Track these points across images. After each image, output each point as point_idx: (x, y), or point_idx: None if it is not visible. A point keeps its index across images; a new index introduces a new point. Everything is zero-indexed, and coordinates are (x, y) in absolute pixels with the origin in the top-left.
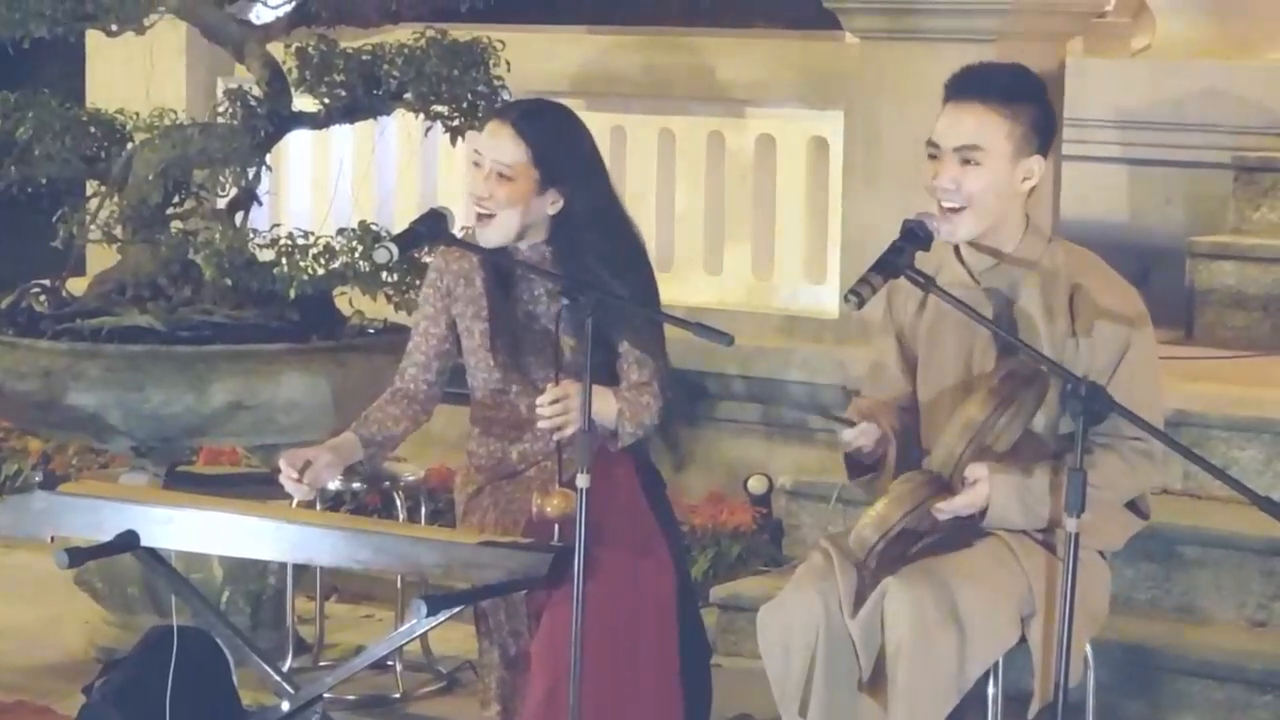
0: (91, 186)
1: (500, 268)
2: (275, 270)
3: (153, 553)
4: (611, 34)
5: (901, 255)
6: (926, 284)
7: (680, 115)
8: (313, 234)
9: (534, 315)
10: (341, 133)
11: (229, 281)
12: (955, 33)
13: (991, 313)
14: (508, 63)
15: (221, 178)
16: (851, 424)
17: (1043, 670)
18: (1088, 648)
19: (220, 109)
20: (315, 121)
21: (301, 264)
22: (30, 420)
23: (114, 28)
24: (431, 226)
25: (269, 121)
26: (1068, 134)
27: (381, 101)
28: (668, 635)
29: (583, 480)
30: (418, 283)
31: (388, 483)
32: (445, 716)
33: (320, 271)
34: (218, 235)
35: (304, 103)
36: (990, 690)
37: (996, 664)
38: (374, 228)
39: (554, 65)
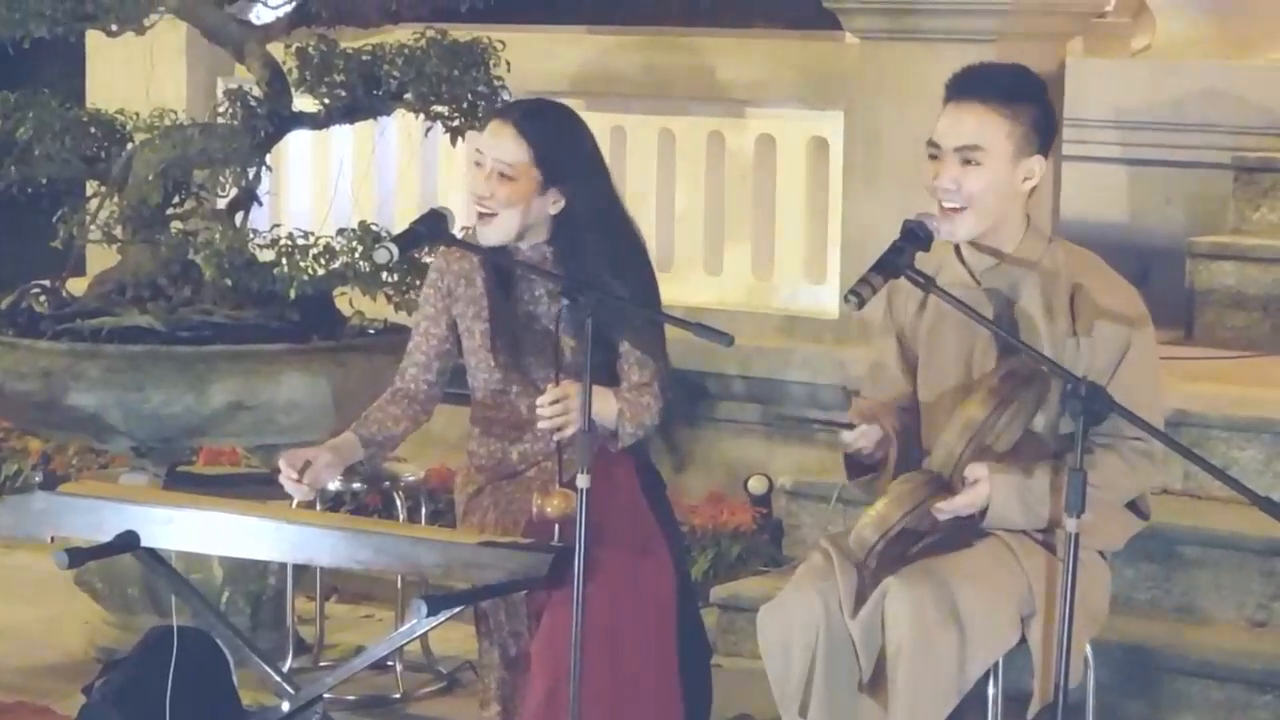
0: (91, 187)
1: (501, 268)
2: (275, 270)
3: (153, 553)
4: (611, 34)
5: (901, 255)
6: (927, 284)
7: (680, 115)
8: (313, 234)
9: (534, 315)
10: (341, 133)
11: (229, 281)
12: (955, 33)
13: (992, 313)
14: (508, 63)
15: (221, 178)
16: (851, 427)
17: (1043, 670)
18: (1088, 648)
19: (220, 109)
20: (315, 121)
21: (302, 264)
22: (30, 420)
23: (114, 28)
24: (432, 227)
25: (269, 121)
26: (1068, 134)
27: (381, 102)
28: (667, 635)
29: (583, 480)
30: (418, 283)
31: (388, 483)
32: (445, 716)
33: (320, 272)
34: (218, 235)
35: (304, 103)
36: (990, 690)
37: (996, 664)
38: (374, 228)
39: (554, 65)
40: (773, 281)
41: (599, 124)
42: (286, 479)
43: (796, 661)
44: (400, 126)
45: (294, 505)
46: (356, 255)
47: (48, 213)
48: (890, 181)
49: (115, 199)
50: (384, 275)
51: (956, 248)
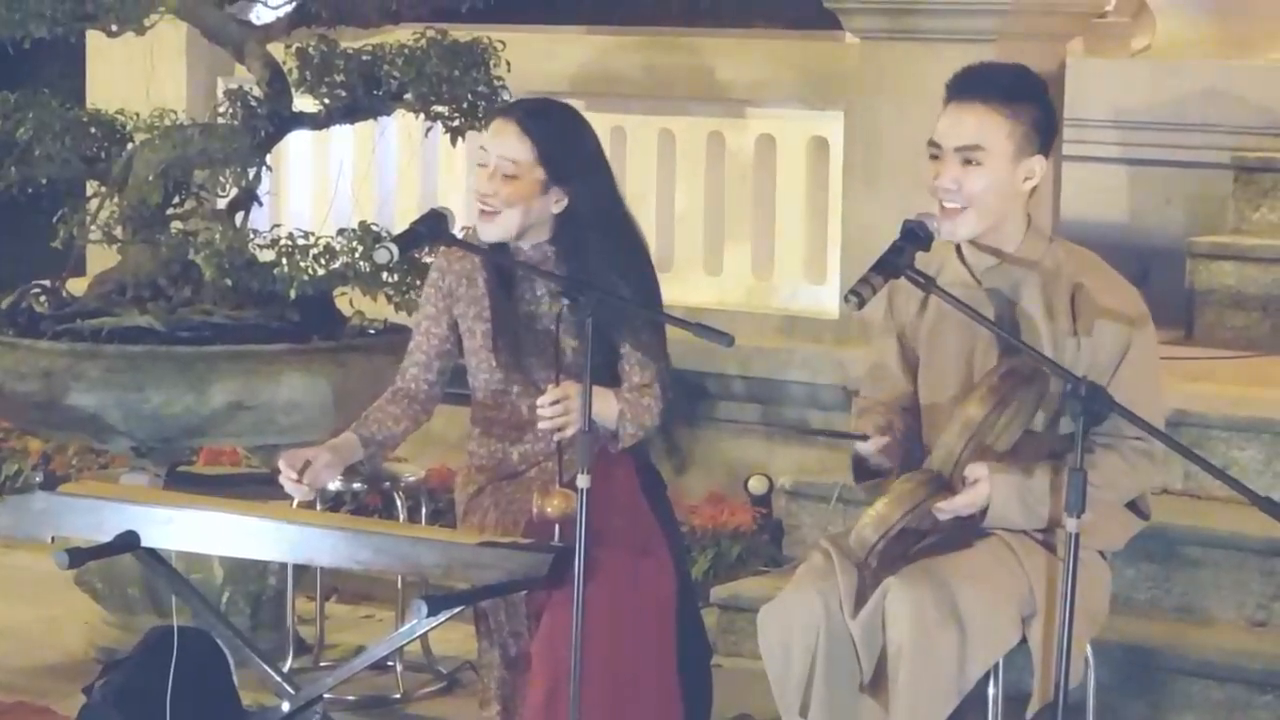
0: (91, 187)
1: (502, 268)
2: (275, 270)
3: (153, 553)
4: (611, 34)
5: (902, 255)
6: (927, 284)
7: (680, 115)
8: (313, 234)
9: (535, 316)
10: (342, 133)
11: (229, 282)
12: (955, 33)
13: (993, 313)
14: (508, 63)
15: (222, 178)
16: (865, 438)
17: (1043, 670)
18: (1088, 648)
19: (220, 109)
20: (315, 122)
21: (302, 264)
22: (30, 421)
23: (114, 28)
24: (432, 227)
25: (269, 122)
26: (1068, 134)
27: (382, 102)
28: (667, 635)
29: (583, 481)
30: (418, 283)
31: (388, 483)
32: (445, 717)
33: (320, 272)
34: (218, 235)
35: (304, 103)
36: (990, 690)
37: (997, 664)
38: (374, 228)
39: (554, 65)
40: (773, 281)
41: (599, 124)
42: (286, 479)
43: (797, 662)
44: (400, 127)
45: (294, 505)
46: (357, 255)
47: (48, 213)
48: (890, 181)
49: (115, 199)
50: (384, 275)
51: (957, 247)
